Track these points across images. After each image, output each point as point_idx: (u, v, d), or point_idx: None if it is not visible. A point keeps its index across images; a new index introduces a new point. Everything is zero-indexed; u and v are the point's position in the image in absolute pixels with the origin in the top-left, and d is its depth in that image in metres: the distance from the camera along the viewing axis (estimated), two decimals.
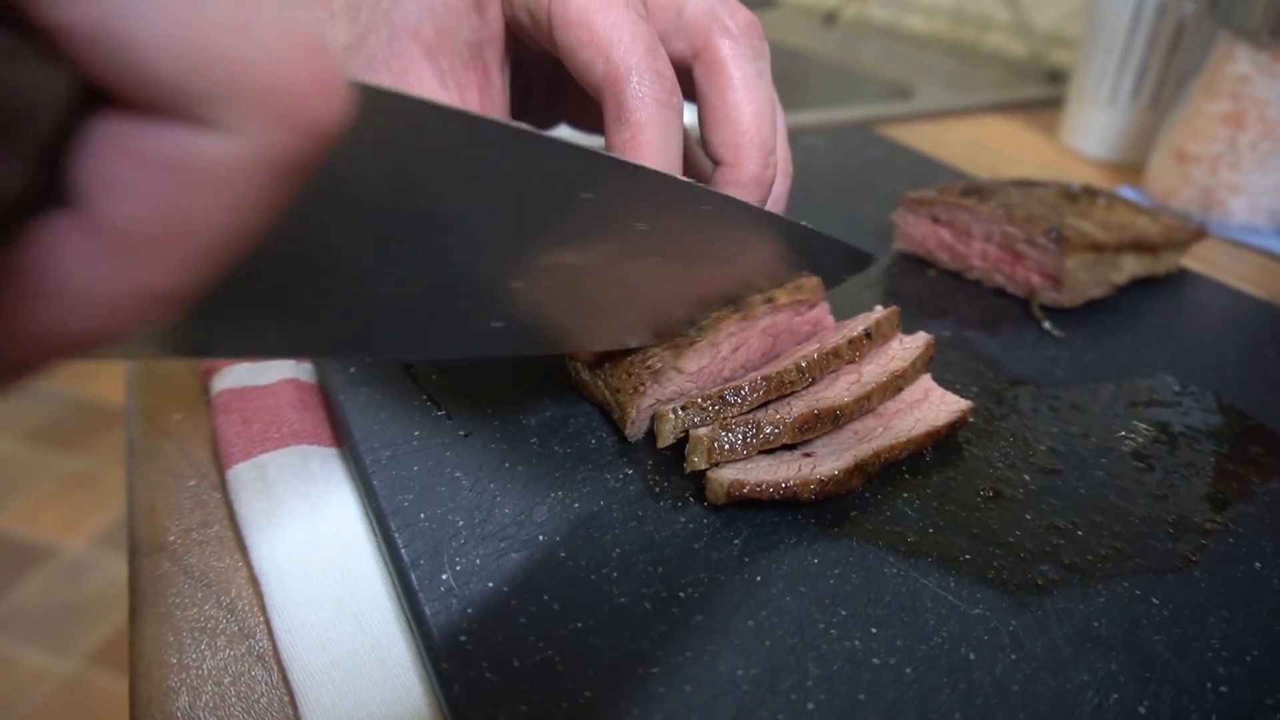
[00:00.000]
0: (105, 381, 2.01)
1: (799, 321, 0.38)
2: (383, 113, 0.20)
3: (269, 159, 0.13)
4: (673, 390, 0.35)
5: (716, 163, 0.36)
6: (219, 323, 0.21)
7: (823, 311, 0.39)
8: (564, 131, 0.49)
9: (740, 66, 0.34)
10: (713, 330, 0.35)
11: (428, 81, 0.36)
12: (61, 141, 0.12)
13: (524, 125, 0.25)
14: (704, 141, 0.36)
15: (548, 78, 0.43)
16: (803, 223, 0.37)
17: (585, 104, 0.43)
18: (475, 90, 0.37)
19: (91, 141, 0.12)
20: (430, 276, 0.25)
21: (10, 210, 0.12)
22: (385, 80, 0.36)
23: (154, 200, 0.12)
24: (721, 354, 0.36)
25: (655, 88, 0.32)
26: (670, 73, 0.33)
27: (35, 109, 0.12)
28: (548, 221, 0.28)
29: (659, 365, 0.34)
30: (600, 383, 0.35)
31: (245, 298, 0.21)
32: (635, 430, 0.35)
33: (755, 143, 0.35)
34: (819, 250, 0.39)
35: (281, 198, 0.14)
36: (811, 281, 0.38)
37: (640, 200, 0.30)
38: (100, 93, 0.12)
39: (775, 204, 0.38)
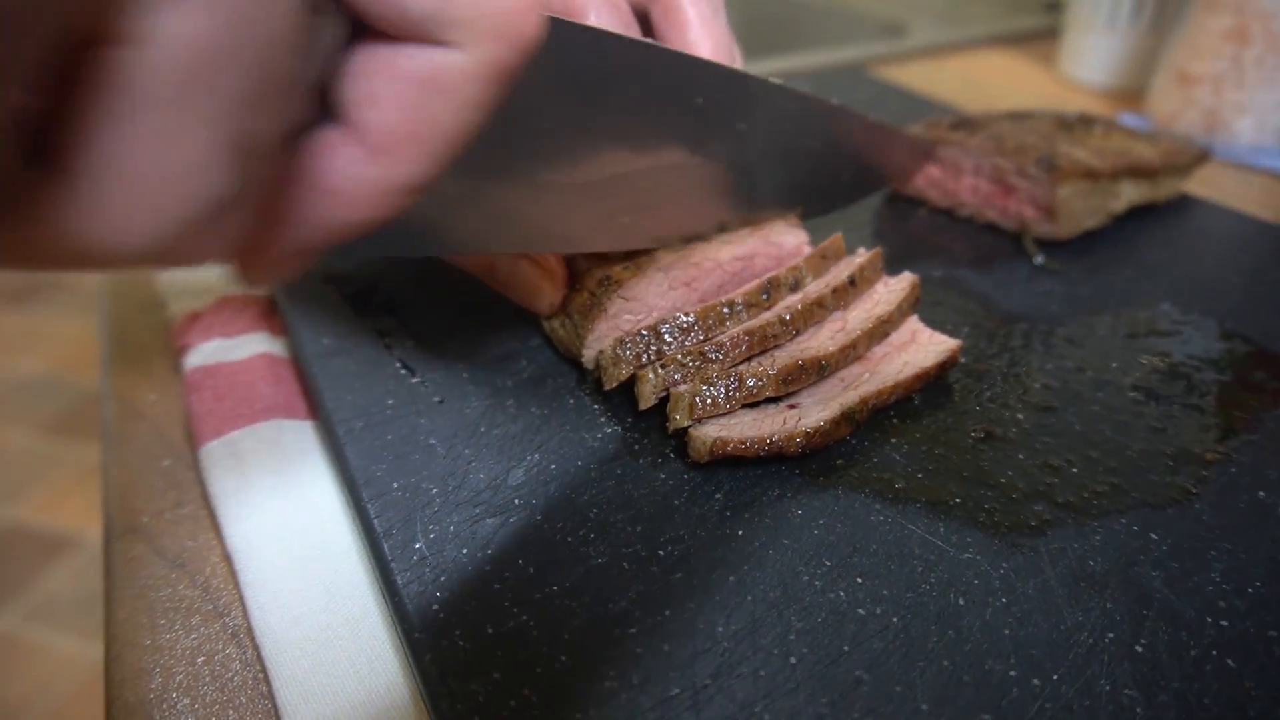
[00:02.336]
0: None
1: (769, 250, 0.37)
2: (557, 38, 0.25)
3: (491, 67, 0.17)
4: (629, 317, 0.34)
5: None
6: (432, 220, 0.26)
7: (798, 242, 0.38)
8: None
9: (695, 5, 0.35)
10: (662, 259, 0.35)
11: None
12: (333, 70, 0.17)
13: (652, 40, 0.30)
14: None
15: None
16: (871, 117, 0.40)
17: None
18: None
19: (357, 68, 0.16)
20: (589, 175, 0.30)
21: (297, 128, 0.16)
22: None
23: (406, 108, 0.16)
24: (675, 281, 0.35)
25: (614, 16, 0.32)
26: (625, 6, 0.33)
27: (317, 46, 0.16)
28: (676, 121, 0.32)
29: (618, 282, 0.34)
30: (570, 324, 0.34)
31: (455, 196, 0.26)
32: (590, 356, 0.34)
33: None
34: (890, 143, 0.42)
35: (497, 99, 0.17)
36: (781, 223, 0.37)
37: (743, 100, 0.34)
38: (364, 28, 0.16)
39: None
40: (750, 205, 0.37)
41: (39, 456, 1.83)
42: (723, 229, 0.37)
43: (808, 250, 0.38)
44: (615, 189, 0.31)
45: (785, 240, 0.38)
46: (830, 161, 0.40)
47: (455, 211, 0.26)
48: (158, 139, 0.13)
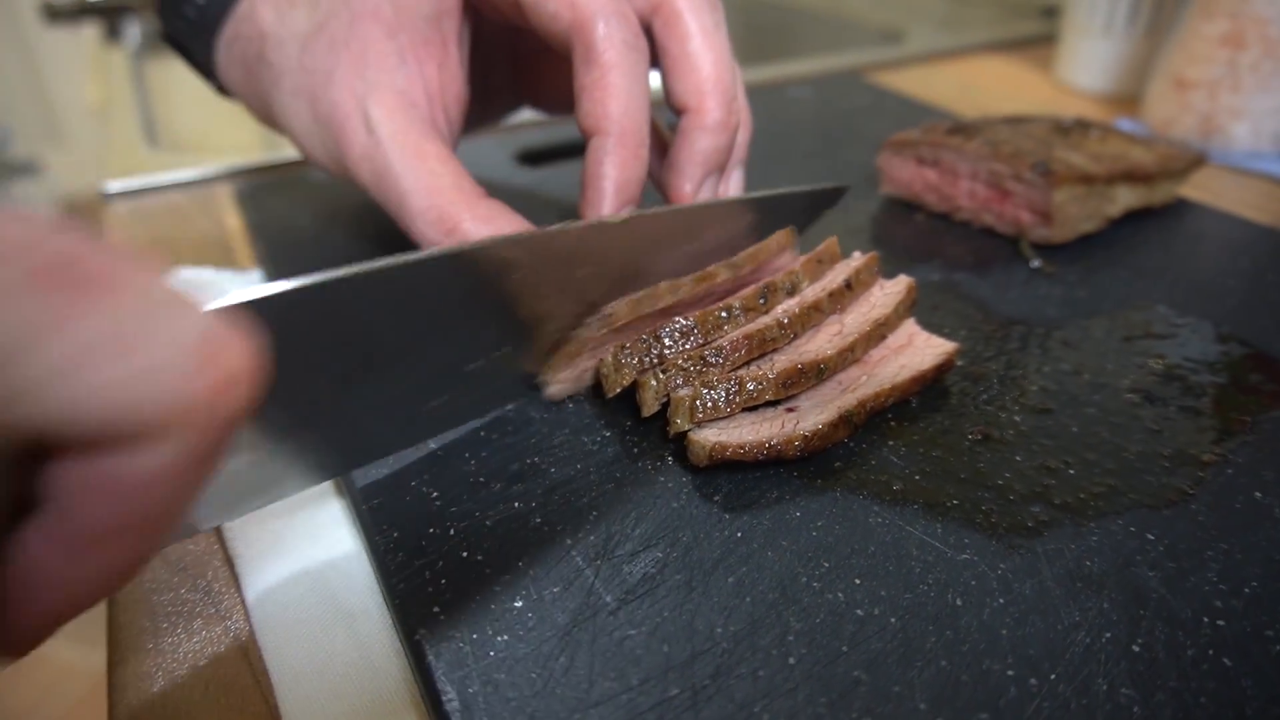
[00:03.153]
0: None
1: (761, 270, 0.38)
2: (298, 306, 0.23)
3: (191, 455, 0.15)
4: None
5: (680, 112, 0.35)
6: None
7: (788, 258, 0.38)
8: (526, 115, 0.48)
9: (698, 17, 0.35)
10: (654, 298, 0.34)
11: (386, 59, 0.36)
12: (29, 480, 0.15)
13: (419, 253, 0.27)
14: (667, 94, 0.36)
15: (507, 56, 0.43)
16: (752, 194, 0.37)
17: (546, 81, 0.44)
18: (434, 63, 0.37)
19: (50, 478, 0.15)
20: (391, 395, 0.28)
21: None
22: (345, 60, 0.35)
23: (110, 507, 0.15)
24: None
25: (622, 29, 0.32)
26: (634, 17, 0.33)
27: None
28: (491, 309, 0.30)
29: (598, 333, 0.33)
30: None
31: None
32: (555, 390, 0.34)
33: (718, 88, 0.34)
34: (781, 209, 0.38)
35: (212, 468, 0.16)
36: (772, 243, 0.37)
37: (575, 249, 0.31)
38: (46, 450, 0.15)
39: (738, 151, 0.38)
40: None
41: None
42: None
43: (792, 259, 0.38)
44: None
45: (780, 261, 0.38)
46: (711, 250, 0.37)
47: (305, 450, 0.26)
48: None
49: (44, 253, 0.14)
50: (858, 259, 0.37)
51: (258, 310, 0.20)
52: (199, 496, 0.17)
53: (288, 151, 0.62)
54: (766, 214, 0.38)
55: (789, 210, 0.39)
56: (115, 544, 0.16)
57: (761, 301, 0.34)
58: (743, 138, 0.38)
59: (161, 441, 0.15)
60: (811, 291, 0.36)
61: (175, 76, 0.93)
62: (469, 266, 0.28)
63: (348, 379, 0.26)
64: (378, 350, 0.27)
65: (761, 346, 0.33)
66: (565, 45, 0.34)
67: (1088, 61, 0.77)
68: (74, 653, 1.42)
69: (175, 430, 0.15)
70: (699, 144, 0.35)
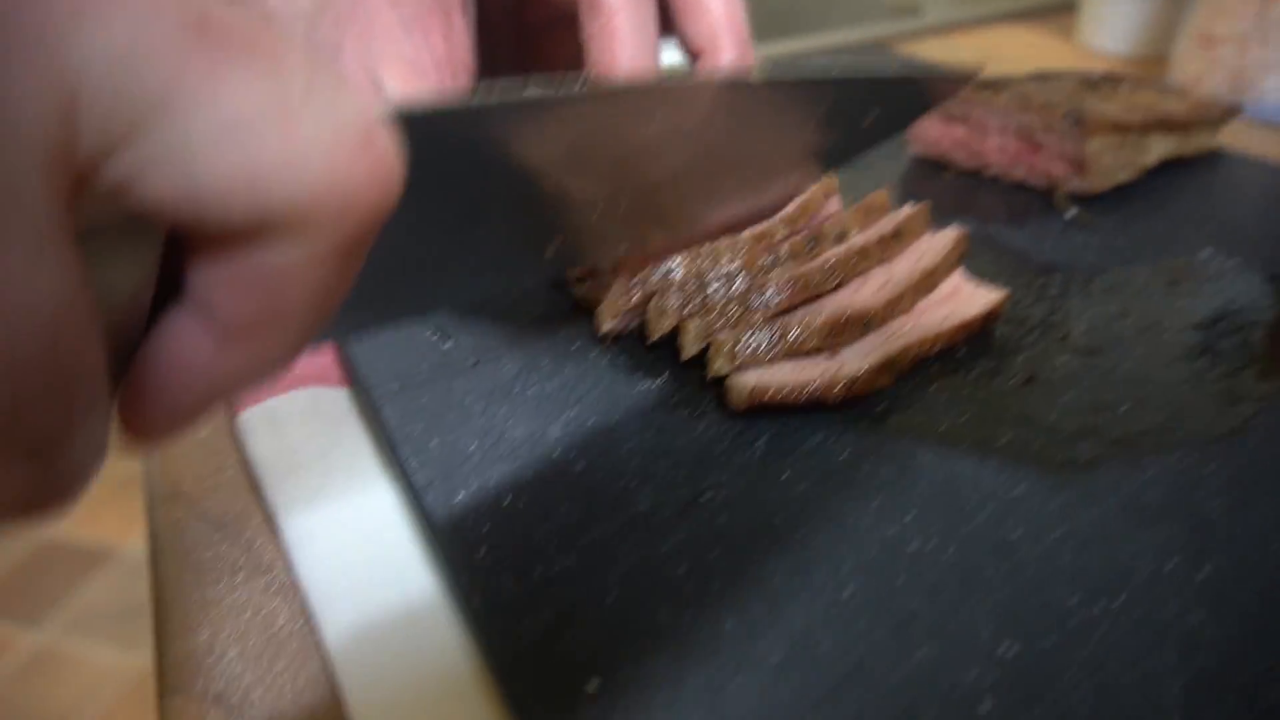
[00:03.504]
0: None
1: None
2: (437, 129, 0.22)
3: (337, 248, 0.15)
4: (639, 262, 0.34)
5: (695, 55, 0.35)
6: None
7: (835, 204, 0.38)
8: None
9: None
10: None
11: (391, 30, 0.36)
12: (174, 263, 0.15)
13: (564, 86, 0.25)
14: (681, 39, 0.36)
15: (512, 31, 0.43)
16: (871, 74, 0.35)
17: (551, 56, 0.43)
18: (438, 34, 0.37)
19: (192, 266, 0.15)
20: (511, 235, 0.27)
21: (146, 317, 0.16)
22: (351, 34, 0.35)
23: (252, 301, 0.15)
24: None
25: None
26: None
27: (134, 269, 0.15)
28: (610, 159, 0.28)
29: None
30: (589, 287, 0.35)
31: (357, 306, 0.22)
32: (609, 315, 0.34)
33: (730, 29, 0.34)
34: (899, 95, 0.37)
35: (353, 267, 0.16)
36: (818, 192, 0.37)
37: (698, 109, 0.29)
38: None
39: None
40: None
41: None
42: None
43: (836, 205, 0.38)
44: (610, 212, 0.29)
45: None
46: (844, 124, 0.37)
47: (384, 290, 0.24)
48: None
49: (200, 8, 0.12)
50: (908, 209, 0.37)
51: (408, 124, 0.18)
52: (345, 294, 0.16)
53: None
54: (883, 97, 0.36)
55: (901, 100, 0.37)
56: (257, 340, 0.15)
57: (809, 248, 0.34)
58: None
59: (307, 232, 0.14)
60: (860, 239, 0.35)
61: None
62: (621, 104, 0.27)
63: (479, 206, 0.25)
64: (511, 180, 0.26)
65: (806, 291, 0.32)
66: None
67: (1111, 24, 0.76)
68: (111, 656, 1.43)
69: (323, 221, 0.14)
70: None
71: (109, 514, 1.74)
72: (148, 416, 0.16)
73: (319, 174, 0.13)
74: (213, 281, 0.14)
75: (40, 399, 0.12)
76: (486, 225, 0.26)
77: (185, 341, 0.15)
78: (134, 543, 1.67)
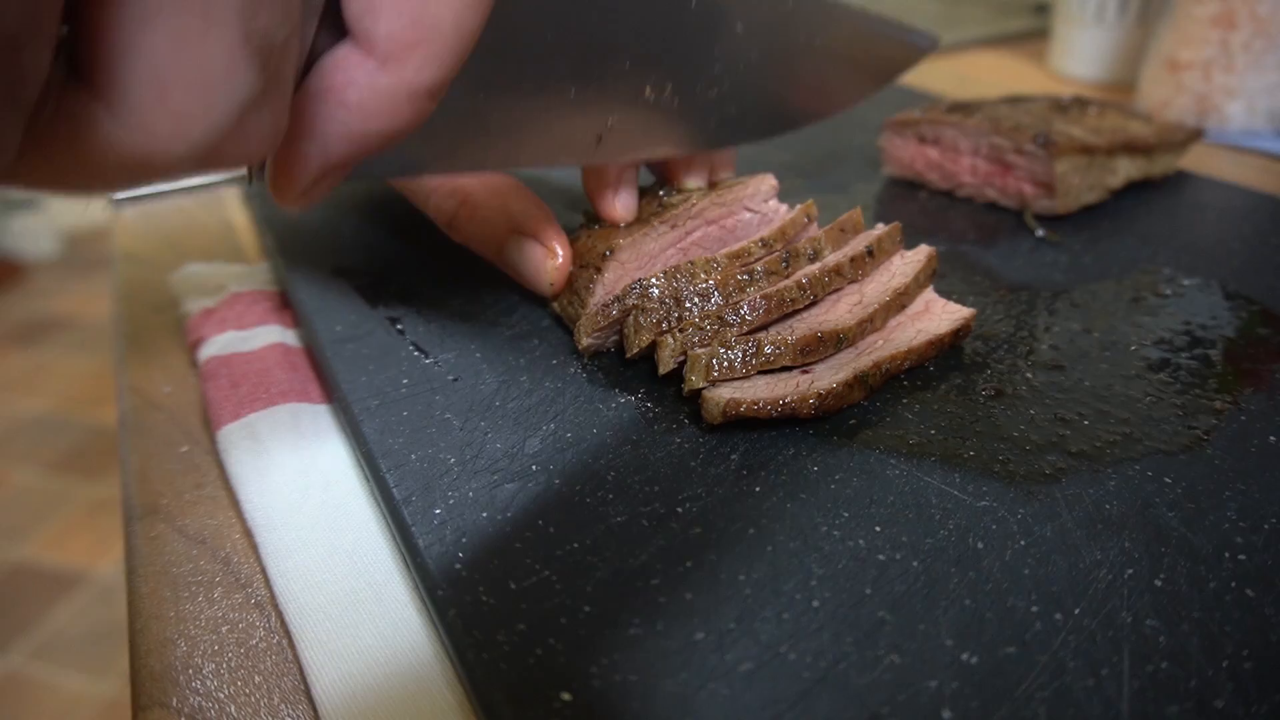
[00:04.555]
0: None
1: (749, 210, 0.39)
2: None
3: (446, 63, 0.17)
4: (624, 279, 0.35)
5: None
6: (440, 141, 0.27)
7: (778, 207, 0.39)
8: None
9: None
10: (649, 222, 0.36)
11: None
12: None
13: None
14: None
15: None
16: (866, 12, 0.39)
17: None
18: None
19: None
20: (585, 84, 0.30)
21: (311, 38, 0.18)
22: None
23: (405, 15, 0.17)
24: (664, 244, 0.36)
25: None
26: None
27: None
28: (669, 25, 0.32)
29: (602, 260, 0.35)
30: (576, 300, 0.36)
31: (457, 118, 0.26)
32: (587, 336, 0.35)
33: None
34: (884, 37, 0.41)
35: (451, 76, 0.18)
36: (799, 215, 0.38)
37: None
38: None
39: None
40: (744, 120, 0.37)
41: (46, 494, 1.83)
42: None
43: (785, 212, 0.39)
44: (609, 97, 0.31)
45: (766, 206, 0.39)
46: (823, 59, 0.39)
47: (456, 127, 0.27)
48: (177, 42, 0.14)
49: None
50: (880, 229, 0.38)
51: None
52: (483, 17, 0.18)
53: None
54: (870, 34, 0.40)
55: (871, 49, 0.41)
56: (411, 57, 0.17)
57: (784, 265, 0.35)
58: None
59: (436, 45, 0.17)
60: (834, 258, 0.36)
61: None
62: None
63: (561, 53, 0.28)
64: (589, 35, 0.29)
65: (781, 308, 0.33)
66: None
67: (1080, 51, 0.78)
68: (79, 683, 1.41)
69: (448, 32, 0.17)
70: None
71: (80, 538, 1.72)
72: (320, 151, 0.18)
73: None
74: (372, 3, 0.17)
75: None
76: (553, 87, 0.29)
77: (348, 69, 0.17)
78: (104, 567, 1.64)
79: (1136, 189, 0.50)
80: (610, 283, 0.35)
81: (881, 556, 0.26)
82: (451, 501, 0.28)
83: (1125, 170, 0.48)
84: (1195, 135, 0.52)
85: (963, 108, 0.49)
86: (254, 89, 0.15)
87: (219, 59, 0.14)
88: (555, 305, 0.37)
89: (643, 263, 0.36)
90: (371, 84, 0.17)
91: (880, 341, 0.34)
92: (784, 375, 0.32)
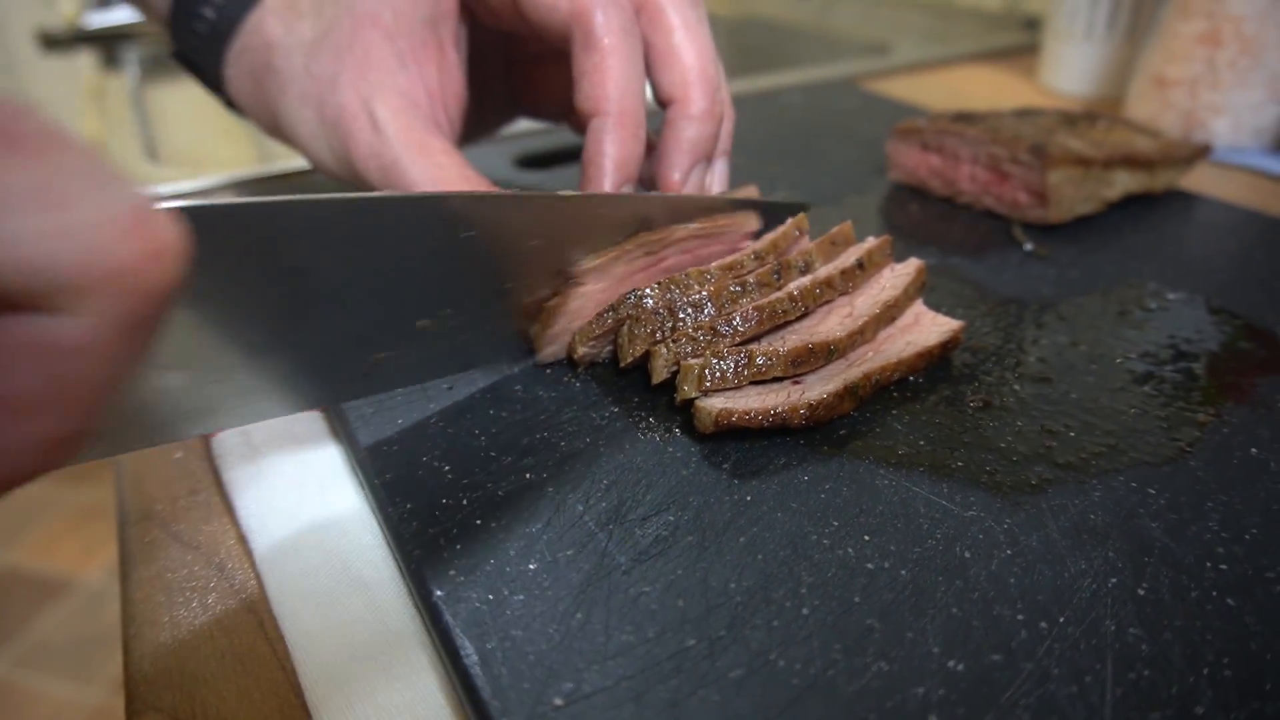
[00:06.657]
0: None
1: (717, 248, 0.39)
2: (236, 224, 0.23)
3: (117, 325, 0.15)
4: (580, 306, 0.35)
5: (666, 104, 0.37)
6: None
7: (805, 242, 0.39)
8: (525, 125, 0.49)
9: (680, 12, 0.36)
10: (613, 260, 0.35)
11: (387, 61, 0.37)
12: None
13: (386, 193, 0.26)
14: (654, 87, 0.37)
15: (503, 64, 0.45)
16: (724, 194, 0.38)
17: (541, 88, 0.45)
18: (432, 65, 0.38)
19: None
20: (334, 337, 0.28)
21: None
22: (349, 65, 0.37)
23: (36, 374, 0.15)
24: (635, 268, 0.36)
25: (619, 16, 0.34)
26: (629, 6, 0.35)
27: None
28: (438, 267, 0.30)
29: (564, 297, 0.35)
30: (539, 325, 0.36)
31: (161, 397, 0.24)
32: (548, 353, 0.35)
33: (702, 78, 0.36)
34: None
35: (139, 345, 0.16)
36: (790, 228, 0.38)
37: (523, 216, 0.31)
38: None
39: (723, 142, 0.39)
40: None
41: (34, 500, 1.82)
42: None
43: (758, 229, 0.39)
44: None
45: (741, 245, 0.39)
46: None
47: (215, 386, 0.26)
48: None
49: None
50: (871, 241, 0.38)
51: (190, 218, 0.19)
52: (128, 374, 0.16)
53: (282, 164, 0.62)
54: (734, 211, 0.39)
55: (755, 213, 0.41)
56: (40, 416, 0.15)
57: (775, 278, 0.35)
58: (727, 128, 0.39)
59: (86, 305, 0.15)
60: (825, 270, 0.37)
61: (174, 100, 0.94)
62: (422, 214, 0.28)
63: (287, 313, 0.26)
64: (315, 287, 0.26)
65: (772, 319, 0.34)
66: (563, 36, 0.35)
67: (1069, 66, 0.79)
68: (66, 690, 1.40)
69: (100, 294, 0.15)
70: (685, 133, 0.37)
71: (66, 544, 1.71)
72: None
73: (90, 250, 0.14)
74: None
75: None
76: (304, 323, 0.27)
77: None
78: (91, 573, 1.64)
79: (1132, 202, 0.50)
80: (573, 311, 0.35)
81: (870, 565, 0.26)
82: (446, 508, 0.28)
83: (1124, 183, 0.49)
84: (1201, 152, 0.53)
85: (968, 117, 0.50)
86: None
87: None
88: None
89: (609, 285, 0.36)
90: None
91: (870, 353, 0.35)
92: (775, 386, 0.33)
